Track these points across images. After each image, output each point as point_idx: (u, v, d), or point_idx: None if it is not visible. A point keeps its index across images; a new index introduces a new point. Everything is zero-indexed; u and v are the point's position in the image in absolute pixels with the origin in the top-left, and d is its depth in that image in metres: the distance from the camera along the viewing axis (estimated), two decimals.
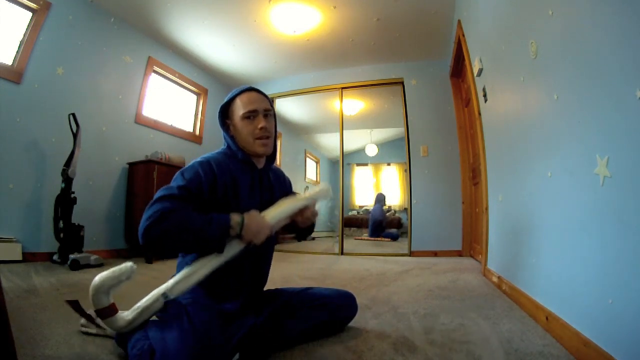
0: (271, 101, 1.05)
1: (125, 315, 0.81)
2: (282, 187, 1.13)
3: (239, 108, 0.99)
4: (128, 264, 0.80)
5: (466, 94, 2.99)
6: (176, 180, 0.88)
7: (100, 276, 0.78)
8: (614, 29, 0.72)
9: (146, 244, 0.78)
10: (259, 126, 0.97)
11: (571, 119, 0.93)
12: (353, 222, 5.66)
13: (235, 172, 0.97)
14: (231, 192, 0.94)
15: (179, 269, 0.97)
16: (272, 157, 1.08)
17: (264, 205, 0.98)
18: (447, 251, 3.19)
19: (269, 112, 1.01)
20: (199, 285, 0.91)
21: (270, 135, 1.00)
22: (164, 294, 0.80)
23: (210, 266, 0.83)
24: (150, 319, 0.89)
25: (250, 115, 0.97)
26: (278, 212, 0.93)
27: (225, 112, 1.03)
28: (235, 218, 0.82)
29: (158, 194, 0.83)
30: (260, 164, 1.05)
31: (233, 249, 0.85)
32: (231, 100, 1.01)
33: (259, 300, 1.02)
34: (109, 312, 0.79)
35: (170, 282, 0.82)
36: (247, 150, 1.00)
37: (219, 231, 0.80)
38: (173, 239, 0.78)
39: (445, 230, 3.24)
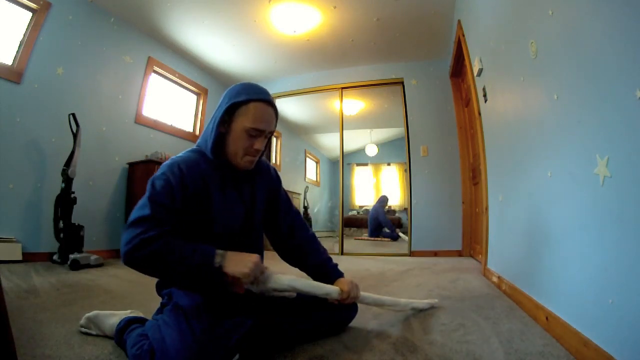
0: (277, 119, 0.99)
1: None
2: (265, 180, 1.05)
3: (248, 119, 0.88)
4: None
5: (466, 94, 2.99)
6: (149, 193, 0.82)
7: None
8: (613, 29, 0.72)
9: (129, 266, 0.76)
10: (255, 147, 0.90)
11: (571, 119, 0.93)
12: (353, 222, 5.66)
13: (205, 171, 0.90)
14: (203, 194, 0.88)
15: None
16: None
17: (244, 200, 0.95)
18: (447, 251, 3.19)
19: (272, 134, 0.97)
20: None
21: (259, 155, 0.94)
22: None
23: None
24: (149, 319, 0.89)
25: (254, 133, 0.89)
26: (289, 280, 0.88)
27: (232, 108, 0.90)
28: (219, 251, 0.78)
29: (134, 216, 0.78)
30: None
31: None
32: (245, 102, 0.90)
33: (258, 299, 1.02)
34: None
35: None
36: (228, 158, 0.92)
37: (202, 260, 0.75)
38: (154, 267, 0.76)
39: (445, 230, 3.24)
